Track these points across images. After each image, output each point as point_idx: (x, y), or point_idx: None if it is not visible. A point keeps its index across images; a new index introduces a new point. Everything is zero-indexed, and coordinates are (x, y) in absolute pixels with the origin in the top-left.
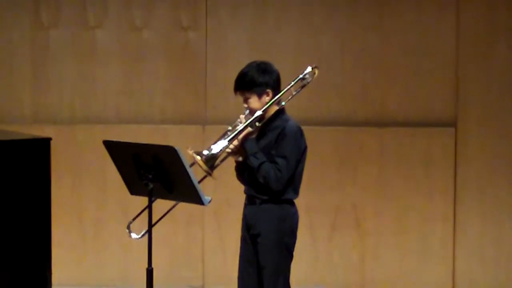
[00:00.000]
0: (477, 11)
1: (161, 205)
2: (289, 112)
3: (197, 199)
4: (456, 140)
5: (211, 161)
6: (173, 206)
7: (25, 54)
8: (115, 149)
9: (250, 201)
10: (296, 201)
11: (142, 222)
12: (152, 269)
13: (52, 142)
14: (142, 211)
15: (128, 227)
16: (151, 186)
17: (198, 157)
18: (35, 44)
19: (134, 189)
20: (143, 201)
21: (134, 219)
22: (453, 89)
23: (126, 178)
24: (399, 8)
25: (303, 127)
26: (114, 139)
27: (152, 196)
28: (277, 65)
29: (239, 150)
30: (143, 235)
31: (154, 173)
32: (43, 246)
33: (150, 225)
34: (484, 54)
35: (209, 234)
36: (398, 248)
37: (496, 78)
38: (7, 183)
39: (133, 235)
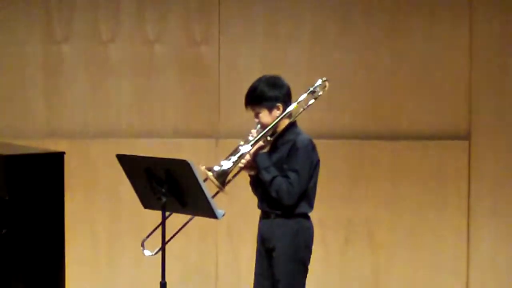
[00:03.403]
0: (490, 24)
1: (174, 219)
2: (301, 126)
3: (210, 213)
4: (470, 154)
5: (223, 177)
6: (188, 221)
7: (38, 68)
8: (128, 162)
9: (265, 215)
10: (310, 214)
11: (155, 237)
12: (165, 282)
13: (65, 156)
14: (156, 228)
15: (142, 245)
16: (164, 200)
17: (210, 173)
18: (48, 58)
19: (147, 203)
20: (156, 215)
21: (148, 236)
22: (466, 102)
23: (139, 191)
24: (411, 23)
25: (315, 141)
26: (127, 153)
27: (165, 210)
28: (289, 81)
29: (251, 165)
30: (156, 253)
31: (167, 187)
32: (57, 260)
33: (164, 239)
34: (497, 67)
35: (222, 248)
36: (411, 262)
37: (510, 92)
38: (21, 197)
39: (147, 252)
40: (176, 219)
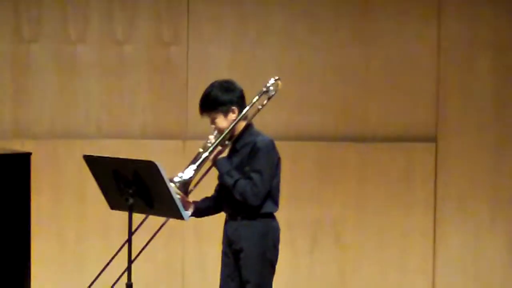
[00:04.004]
0: (458, 26)
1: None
2: (269, 127)
3: (177, 214)
4: (436, 155)
5: (185, 187)
6: (158, 230)
7: (6, 68)
8: (95, 164)
9: (230, 217)
10: (277, 216)
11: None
12: (131, 283)
13: (32, 157)
14: (118, 250)
15: None
16: (131, 201)
17: (172, 184)
18: (15, 58)
19: (114, 204)
20: (123, 216)
21: (110, 261)
22: (434, 104)
23: (106, 192)
24: (380, 23)
25: (284, 142)
26: (95, 154)
27: (132, 211)
28: (259, 80)
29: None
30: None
31: (134, 188)
32: (22, 261)
33: (130, 240)
34: (465, 69)
35: (189, 249)
36: (378, 262)
37: (477, 94)
38: None
39: None
40: (142, 220)
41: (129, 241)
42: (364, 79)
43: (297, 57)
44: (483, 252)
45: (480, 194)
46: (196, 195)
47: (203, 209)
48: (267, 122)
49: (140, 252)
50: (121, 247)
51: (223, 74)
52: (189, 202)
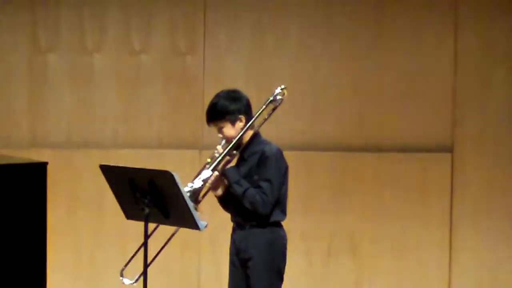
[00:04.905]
0: (475, 37)
1: (156, 231)
2: (284, 138)
3: (193, 224)
4: (453, 166)
5: (195, 196)
6: (170, 237)
7: (23, 78)
8: (111, 173)
9: (238, 226)
10: (292, 226)
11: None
12: None
13: (49, 166)
14: (135, 253)
15: (121, 274)
16: (147, 211)
17: None
18: (33, 68)
19: (130, 214)
20: (139, 225)
21: (126, 265)
22: (450, 115)
23: (122, 202)
24: (396, 34)
25: (299, 153)
26: (111, 164)
27: (148, 221)
28: (274, 90)
29: (219, 181)
30: (137, 280)
31: (150, 197)
32: (38, 271)
33: (146, 250)
34: (482, 80)
35: (205, 259)
36: (394, 273)
37: (493, 105)
38: (3, 207)
39: (126, 281)
40: (158, 231)
41: (145, 251)
42: (380, 90)
43: (313, 67)
44: (499, 264)
45: (496, 205)
46: (205, 203)
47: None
48: (283, 132)
49: (154, 258)
50: (136, 252)
51: (239, 84)
52: (223, 181)
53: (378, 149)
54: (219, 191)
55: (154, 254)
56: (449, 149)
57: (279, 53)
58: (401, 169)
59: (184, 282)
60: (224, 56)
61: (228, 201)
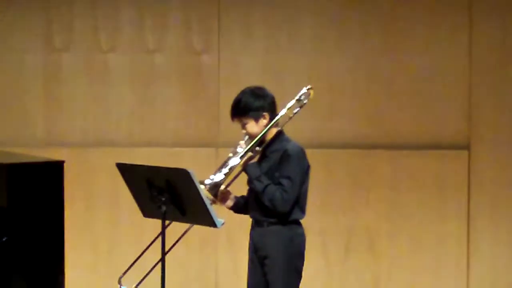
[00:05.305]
0: (490, 34)
1: (173, 227)
2: (301, 135)
3: (210, 221)
4: (469, 163)
5: (215, 189)
6: (185, 232)
7: (38, 77)
8: (128, 171)
9: (257, 223)
10: (309, 223)
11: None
12: None
13: (65, 165)
14: (134, 261)
15: (119, 282)
16: (164, 208)
17: (202, 186)
18: (47, 67)
19: (147, 212)
20: (156, 223)
21: (125, 272)
22: (466, 112)
23: (139, 200)
24: (411, 31)
25: (316, 150)
26: (127, 162)
27: (165, 219)
28: (289, 88)
29: (227, 194)
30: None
31: (167, 195)
32: (57, 268)
33: (163, 248)
34: (497, 77)
35: (222, 257)
36: (412, 269)
37: (509, 101)
38: (22, 206)
39: None
40: (174, 228)
41: (162, 249)
42: (396, 86)
43: (328, 65)
44: None
45: None
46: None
47: (242, 205)
48: (299, 130)
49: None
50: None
51: (254, 82)
52: (229, 192)
53: (395, 146)
54: (229, 203)
55: (171, 250)
56: (466, 147)
57: (294, 51)
58: (418, 166)
59: (201, 279)
60: (239, 54)
61: (239, 211)
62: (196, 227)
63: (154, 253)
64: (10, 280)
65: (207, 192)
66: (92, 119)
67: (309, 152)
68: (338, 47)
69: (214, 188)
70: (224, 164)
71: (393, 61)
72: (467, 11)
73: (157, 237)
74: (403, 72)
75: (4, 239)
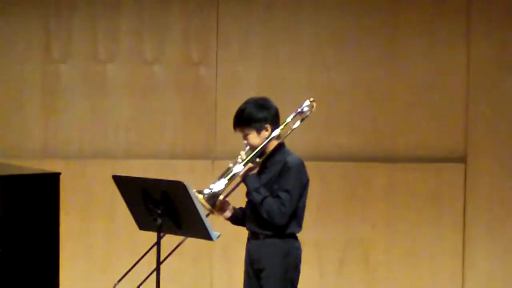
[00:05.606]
0: (488, 45)
1: (168, 240)
2: (298, 147)
3: (205, 234)
4: (466, 176)
5: (213, 199)
6: (180, 243)
7: (36, 88)
8: (124, 184)
9: (253, 235)
10: (305, 236)
11: (150, 257)
12: None
13: (61, 177)
14: (131, 268)
15: None
16: (159, 221)
17: (200, 196)
18: (46, 78)
19: (143, 224)
20: (152, 235)
21: (119, 281)
22: (463, 125)
23: (135, 213)
24: (409, 44)
25: (312, 163)
26: (123, 174)
27: (161, 232)
28: (287, 100)
29: (225, 204)
30: None
31: (163, 208)
32: (51, 279)
33: (158, 261)
34: (494, 90)
35: (217, 269)
36: (407, 283)
37: (506, 115)
38: (17, 217)
39: None
40: (169, 240)
41: (157, 262)
42: (393, 100)
43: (326, 78)
44: None
45: (509, 215)
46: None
47: (239, 216)
48: (296, 142)
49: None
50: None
51: (251, 94)
52: (227, 203)
53: (391, 159)
54: (227, 213)
55: (166, 263)
56: (462, 159)
57: (292, 63)
58: (414, 179)
59: None
60: (236, 66)
61: (236, 222)
62: (191, 238)
63: (149, 265)
64: None
65: (205, 201)
66: (89, 131)
67: (305, 164)
68: (336, 61)
69: (213, 198)
70: (224, 174)
71: (391, 74)
72: (465, 25)
73: (150, 248)
74: (401, 85)
75: None
